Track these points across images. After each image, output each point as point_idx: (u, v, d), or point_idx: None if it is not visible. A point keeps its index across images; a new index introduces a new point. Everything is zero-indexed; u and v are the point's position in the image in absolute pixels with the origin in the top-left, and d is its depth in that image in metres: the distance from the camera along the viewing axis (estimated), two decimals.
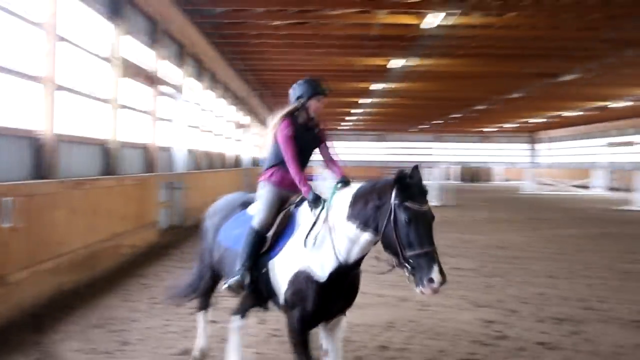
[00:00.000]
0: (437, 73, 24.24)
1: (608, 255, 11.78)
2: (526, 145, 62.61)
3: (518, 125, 52.24)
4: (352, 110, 40.75)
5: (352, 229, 4.06)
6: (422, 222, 3.82)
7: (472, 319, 6.98)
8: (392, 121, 49.70)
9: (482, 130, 58.56)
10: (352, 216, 4.07)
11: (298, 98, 4.74)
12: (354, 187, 4.25)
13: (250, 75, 27.15)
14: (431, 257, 3.72)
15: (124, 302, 7.60)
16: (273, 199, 4.63)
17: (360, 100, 34.57)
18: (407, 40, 18.31)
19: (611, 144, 45.85)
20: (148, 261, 10.41)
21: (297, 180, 4.45)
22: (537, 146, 61.96)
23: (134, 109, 12.64)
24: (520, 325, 6.78)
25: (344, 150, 59.26)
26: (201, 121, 19.31)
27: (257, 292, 4.54)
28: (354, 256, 4.11)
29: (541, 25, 16.64)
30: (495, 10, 15.07)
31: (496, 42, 18.40)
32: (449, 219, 18.44)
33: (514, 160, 60.59)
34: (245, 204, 5.01)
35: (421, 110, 40.35)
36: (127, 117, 12.06)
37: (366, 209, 4.01)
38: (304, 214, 4.40)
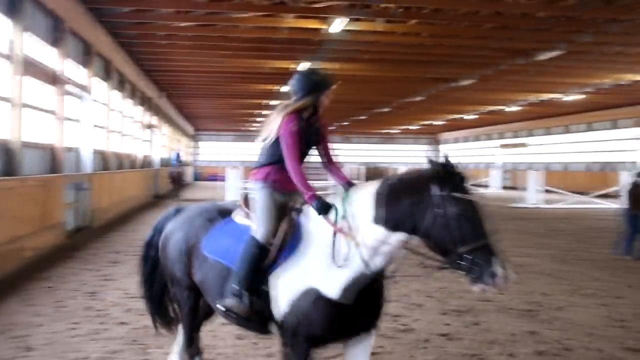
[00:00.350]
0: (343, 76, 24.78)
1: (503, 250, 12.52)
2: (429, 147, 64.80)
3: (421, 127, 54.01)
4: (259, 112, 40.87)
5: (379, 232, 3.61)
6: (474, 212, 3.48)
7: None
8: None
9: (387, 132, 60.17)
10: (379, 217, 3.62)
11: (310, 92, 4.21)
12: (370, 186, 3.80)
13: (159, 76, 26.82)
14: (489, 250, 3.41)
15: (27, 306, 7.30)
16: (273, 206, 4.08)
17: (267, 103, 34.79)
18: (313, 44, 18.74)
19: (505, 146, 48.35)
20: (53, 264, 10.15)
21: (300, 184, 3.95)
22: (440, 147, 64.32)
23: (37, 109, 12.35)
24: (424, 318, 7.09)
25: (252, 151, 59.27)
26: (109, 121, 18.97)
27: (257, 314, 3.94)
28: (378, 263, 3.68)
29: (440, 33, 17.49)
30: (397, 18, 15.73)
31: (399, 48, 19.14)
32: None
33: (418, 161, 62.48)
34: (224, 212, 4.44)
35: (328, 112, 40.84)
36: (30, 117, 11.78)
37: (398, 207, 3.58)
38: (312, 222, 3.90)
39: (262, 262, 3.90)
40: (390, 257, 3.71)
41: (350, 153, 62.19)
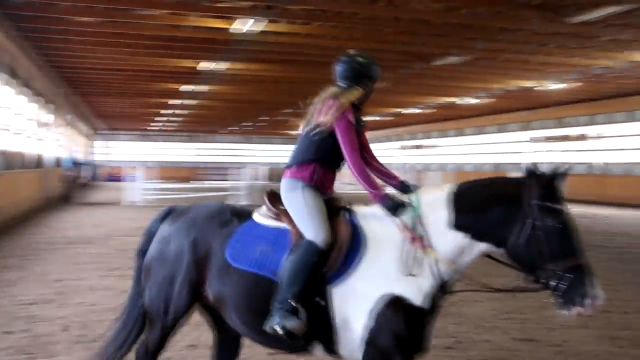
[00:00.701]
0: (247, 77, 24.88)
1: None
2: None
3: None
4: (162, 111, 40.11)
5: (460, 238, 3.39)
6: (571, 226, 3.24)
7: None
8: (202, 123, 49.61)
9: (289, 133, 60.50)
10: (460, 224, 3.38)
11: (361, 79, 3.83)
12: (441, 189, 3.57)
13: (55, 73, 25.75)
14: (583, 269, 3.16)
15: None
16: (322, 206, 3.64)
17: (170, 101, 34.20)
18: (217, 44, 18.64)
19: (404, 147, 49.90)
20: None
21: (365, 182, 3.58)
22: None
23: None
24: None
25: (152, 151, 57.98)
26: None
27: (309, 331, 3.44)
28: (451, 272, 3.44)
29: (342, 36, 17.86)
30: (301, 19, 15.96)
31: (302, 49, 19.37)
32: None
33: None
34: (239, 214, 3.90)
35: (231, 113, 40.82)
36: None
37: (485, 215, 3.34)
38: (373, 224, 3.56)
39: (320, 270, 3.44)
40: (463, 269, 3.46)
41: (252, 153, 62.14)
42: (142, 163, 35.80)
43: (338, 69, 3.90)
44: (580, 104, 31.30)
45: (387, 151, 53.73)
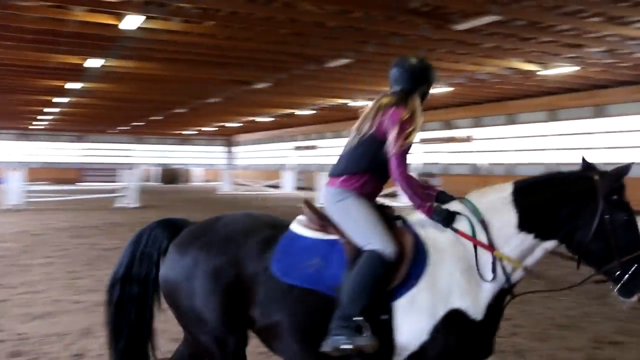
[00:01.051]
0: (138, 75, 24.12)
1: None
2: (224, 148, 65.17)
3: (217, 128, 54.11)
4: (46, 109, 38.10)
5: (529, 239, 3.35)
6: (636, 219, 3.32)
7: (170, 317, 6.96)
8: (91, 122, 47.60)
9: (182, 133, 59.37)
10: (526, 225, 3.34)
11: (420, 84, 3.68)
12: (498, 191, 3.49)
13: None
14: None
15: None
16: (379, 215, 3.47)
17: (55, 99, 32.53)
18: (105, 40, 17.93)
19: (298, 148, 50.23)
20: None
21: (415, 195, 3.43)
22: (234, 149, 64.92)
23: None
24: None
25: (37, 151, 55.02)
26: None
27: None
28: (517, 276, 3.39)
29: (237, 36, 17.70)
30: (194, 18, 15.67)
31: (196, 48, 19.00)
32: (148, 219, 18.38)
33: (213, 162, 62.53)
34: (273, 225, 3.64)
35: (121, 112, 39.47)
36: None
37: (554, 213, 3.32)
38: (432, 232, 3.41)
39: (387, 284, 3.25)
40: (529, 269, 3.41)
41: (144, 154, 60.47)
42: (24, 164, 33.87)
43: (395, 72, 3.75)
44: (466, 107, 32.81)
45: (280, 152, 53.88)
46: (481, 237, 3.34)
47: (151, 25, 15.80)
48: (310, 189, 35.88)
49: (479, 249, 3.32)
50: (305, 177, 43.52)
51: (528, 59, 20.09)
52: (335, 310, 3.23)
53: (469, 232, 3.35)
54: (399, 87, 3.66)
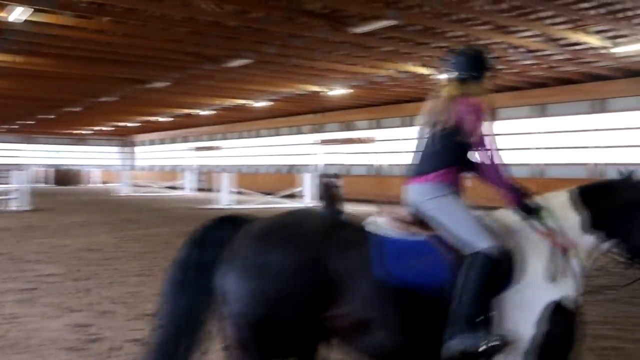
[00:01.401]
0: (26, 71, 22.87)
1: None
2: (122, 148, 63.18)
3: (113, 128, 52.43)
4: None
5: (592, 240, 3.52)
6: None
7: (63, 325, 6.78)
8: None
9: (77, 132, 57.00)
10: (590, 226, 3.50)
11: (484, 72, 3.69)
12: (563, 194, 3.62)
13: None
14: None
15: None
16: (476, 215, 3.48)
17: None
18: None
19: (200, 148, 49.50)
20: None
21: (507, 184, 3.49)
22: (132, 149, 63.10)
23: None
24: (114, 325, 6.84)
25: None
26: None
27: None
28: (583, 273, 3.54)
29: (133, 33, 17.22)
30: (87, 13, 15.06)
31: (90, 45, 18.31)
32: (37, 223, 17.70)
33: (110, 163, 60.54)
34: (347, 225, 3.56)
35: (8, 110, 37.39)
36: None
37: (616, 215, 3.50)
38: (517, 230, 3.49)
39: (497, 282, 3.29)
40: (589, 269, 3.57)
41: (35, 154, 57.60)
42: None
43: (460, 60, 3.68)
44: (364, 109, 33.45)
45: (180, 152, 52.91)
46: (560, 234, 3.47)
47: (40, 18, 15.04)
48: (210, 190, 35.47)
49: (560, 244, 3.45)
50: (208, 177, 42.94)
51: (423, 63, 20.75)
52: (451, 312, 3.25)
53: (553, 227, 3.46)
54: (466, 75, 3.65)
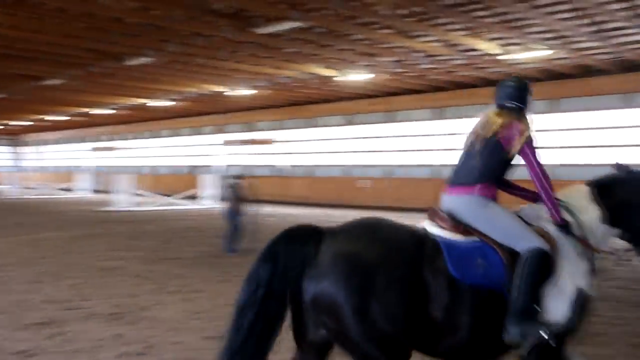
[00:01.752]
0: None
1: (91, 255, 12.41)
2: (10, 148, 59.86)
3: (1, 127, 49.69)
4: None
5: (607, 230, 4.01)
6: None
7: None
8: None
9: None
10: (609, 218, 3.99)
11: (530, 102, 4.13)
12: (580, 189, 4.10)
13: None
14: None
15: None
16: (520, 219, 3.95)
17: None
18: None
19: (96, 149, 47.74)
20: None
21: (554, 206, 3.88)
22: (23, 149, 59.93)
23: None
24: None
25: None
26: None
27: None
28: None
29: (25, 27, 16.34)
30: None
31: None
32: None
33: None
34: (408, 229, 3.82)
35: None
36: None
37: (627, 213, 4.00)
38: (550, 228, 3.91)
39: (547, 274, 3.72)
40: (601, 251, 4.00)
41: None
42: None
43: (508, 89, 4.10)
44: (269, 109, 33.42)
45: (77, 153, 50.83)
46: (584, 234, 3.92)
47: None
48: (107, 191, 34.37)
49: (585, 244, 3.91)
50: (103, 179, 41.50)
51: (327, 64, 21.03)
52: (512, 304, 3.62)
53: (582, 234, 3.90)
54: (513, 104, 4.06)
